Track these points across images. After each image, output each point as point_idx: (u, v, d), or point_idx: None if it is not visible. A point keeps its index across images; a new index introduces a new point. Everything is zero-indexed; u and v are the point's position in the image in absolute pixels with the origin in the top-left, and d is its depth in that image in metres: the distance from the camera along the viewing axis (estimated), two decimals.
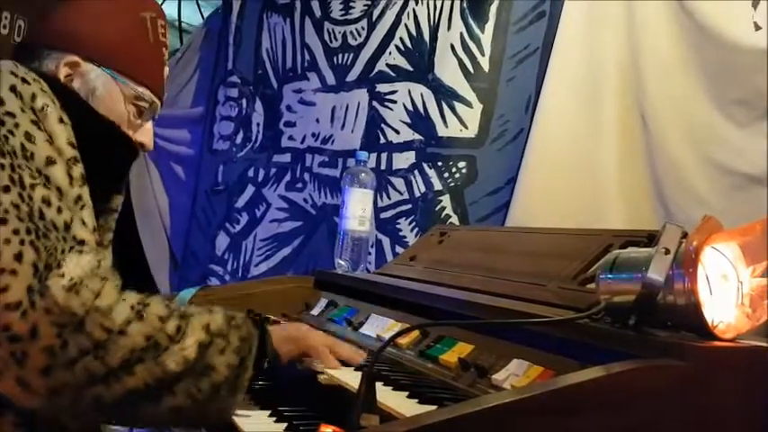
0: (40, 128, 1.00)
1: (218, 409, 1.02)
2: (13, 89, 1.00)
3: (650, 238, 1.17)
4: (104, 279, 0.96)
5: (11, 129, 0.97)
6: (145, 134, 1.27)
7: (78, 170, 1.03)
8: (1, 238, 0.89)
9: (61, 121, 1.03)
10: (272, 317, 1.56)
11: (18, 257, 0.89)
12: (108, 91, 1.19)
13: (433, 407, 1.01)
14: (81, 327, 0.90)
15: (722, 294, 0.94)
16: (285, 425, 1.09)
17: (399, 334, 1.03)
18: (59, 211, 0.97)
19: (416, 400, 1.06)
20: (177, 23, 4.09)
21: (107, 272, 0.98)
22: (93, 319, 0.91)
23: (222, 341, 1.01)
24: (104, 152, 1.10)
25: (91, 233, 1.01)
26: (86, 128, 1.07)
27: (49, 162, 0.99)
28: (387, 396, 1.05)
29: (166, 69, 1.30)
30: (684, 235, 0.95)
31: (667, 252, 0.92)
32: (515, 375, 1.06)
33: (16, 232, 0.90)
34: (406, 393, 1.10)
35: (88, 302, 0.91)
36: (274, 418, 1.13)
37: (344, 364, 1.24)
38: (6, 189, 0.92)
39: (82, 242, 0.98)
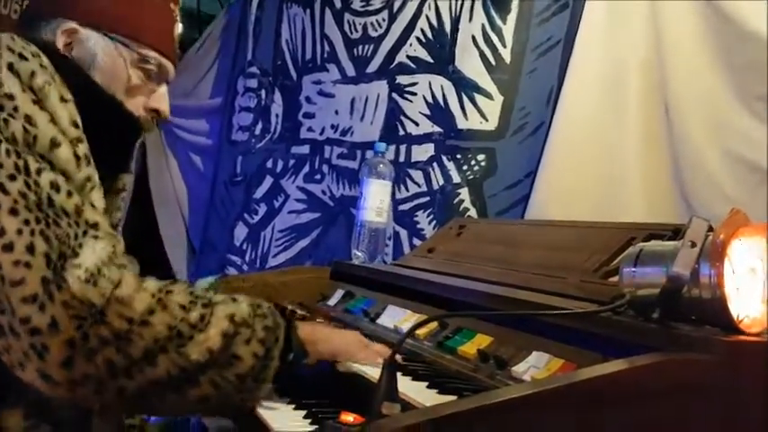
0: (42, 107, 0.96)
1: (244, 398, 1.01)
2: (10, 68, 0.95)
3: (675, 232, 1.16)
4: (122, 267, 0.94)
5: (10, 113, 0.92)
6: (158, 100, 1.20)
7: (83, 149, 0.98)
8: (12, 229, 0.87)
9: (63, 99, 0.99)
10: (290, 306, 1.55)
11: (30, 249, 0.86)
12: (109, 57, 1.13)
13: (453, 397, 1.01)
14: (101, 318, 0.88)
15: (748, 289, 0.93)
16: (305, 412, 1.09)
17: (421, 324, 1.03)
18: (69, 195, 0.93)
19: (436, 391, 1.06)
20: (197, 13, 4.09)
21: (123, 259, 0.96)
22: (114, 310, 0.89)
23: (247, 331, 1.00)
24: (107, 129, 1.05)
25: (102, 216, 0.98)
26: (88, 104, 1.03)
27: (54, 144, 0.94)
28: (407, 386, 1.04)
29: (178, 26, 1.23)
30: (710, 229, 0.94)
31: (693, 245, 0.90)
32: (535, 368, 1.05)
33: (26, 222, 0.88)
34: (426, 384, 1.09)
35: (107, 293, 0.89)
36: (293, 406, 1.14)
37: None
38: (12, 177, 0.89)
39: (95, 225, 0.94)
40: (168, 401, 0.95)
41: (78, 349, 0.86)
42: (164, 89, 1.21)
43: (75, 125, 0.99)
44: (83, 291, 0.87)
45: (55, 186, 0.92)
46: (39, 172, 0.91)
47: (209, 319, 0.97)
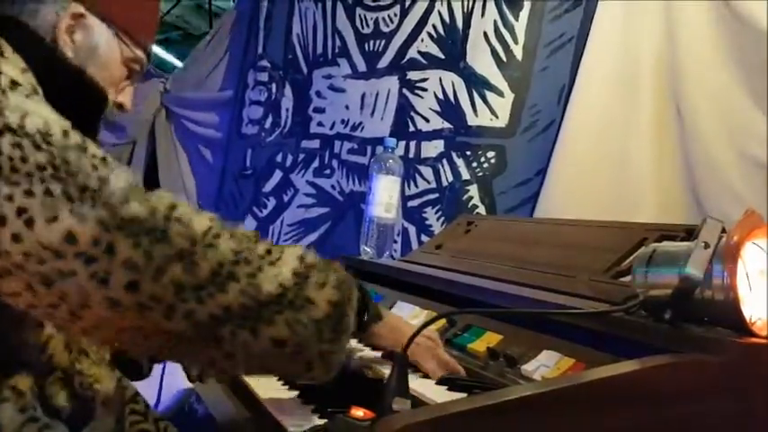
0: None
1: (322, 351, 0.92)
2: None
3: (688, 233, 1.15)
4: (167, 192, 0.91)
5: None
6: (126, 96, 1.21)
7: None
8: (22, 186, 0.81)
9: (22, 70, 0.96)
10: None
11: (48, 192, 0.82)
12: (110, 49, 1.14)
13: (462, 395, 1.01)
14: (163, 236, 0.83)
15: (761, 291, 0.93)
16: (313, 406, 1.10)
17: (432, 321, 1.03)
18: (65, 134, 0.87)
19: (445, 388, 1.06)
20: (207, 6, 4.10)
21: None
22: (175, 230, 0.84)
23: (320, 275, 0.93)
24: (70, 100, 0.99)
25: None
26: (48, 73, 0.99)
27: (29, 94, 0.90)
28: (416, 382, 1.05)
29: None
30: (723, 230, 0.93)
31: (707, 246, 0.90)
32: (546, 367, 1.05)
33: (29, 175, 0.82)
34: (435, 380, 1.10)
35: (164, 210, 0.85)
36: (301, 400, 1.14)
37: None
38: None
39: (104, 159, 0.87)
40: (241, 339, 0.87)
41: (143, 270, 0.82)
42: (132, 87, 1.22)
43: (36, 92, 0.95)
44: (128, 210, 0.83)
45: (46, 127, 0.87)
46: (23, 119, 0.86)
47: (278, 255, 0.91)
